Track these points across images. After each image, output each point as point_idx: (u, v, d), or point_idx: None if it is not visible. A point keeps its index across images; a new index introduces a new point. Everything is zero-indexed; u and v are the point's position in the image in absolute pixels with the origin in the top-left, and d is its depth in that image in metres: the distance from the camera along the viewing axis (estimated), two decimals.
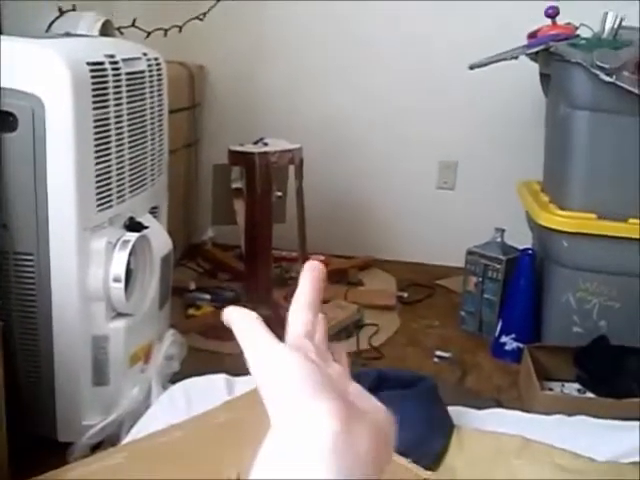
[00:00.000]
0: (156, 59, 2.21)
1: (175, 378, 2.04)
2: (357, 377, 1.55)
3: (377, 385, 1.55)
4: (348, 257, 3.80)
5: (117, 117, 1.89)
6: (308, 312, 0.55)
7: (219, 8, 3.52)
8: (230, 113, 3.88)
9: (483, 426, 1.57)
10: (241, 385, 1.69)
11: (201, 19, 3.46)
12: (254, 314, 0.53)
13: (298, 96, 3.84)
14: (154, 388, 2.03)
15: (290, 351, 0.49)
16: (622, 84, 2.44)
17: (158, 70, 2.22)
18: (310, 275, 0.57)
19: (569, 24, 2.87)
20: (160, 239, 2.13)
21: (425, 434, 1.43)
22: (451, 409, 1.61)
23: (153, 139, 2.18)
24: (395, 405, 1.45)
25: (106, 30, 2.55)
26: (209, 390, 1.67)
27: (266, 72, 3.83)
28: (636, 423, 1.70)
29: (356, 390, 0.52)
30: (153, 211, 2.23)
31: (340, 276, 3.55)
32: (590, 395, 2.46)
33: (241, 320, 0.52)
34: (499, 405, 2.09)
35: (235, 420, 1.52)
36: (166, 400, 1.68)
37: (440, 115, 3.79)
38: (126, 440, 1.56)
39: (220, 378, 1.72)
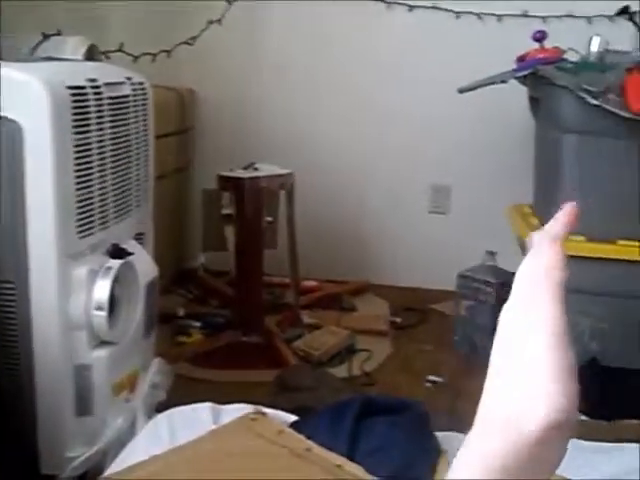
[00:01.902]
0: (141, 83, 2.18)
1: (162, 407, 2.01)
2: (343, 404, 1.52)
3: (363, 412, 1.52)
4: (341, 282, 3.78)
5: (99, 142, 1.86)
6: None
7: (209, 32, 3.52)
8: (221, 137, 3.87)
9: None
10: (227, 414, 1.66)
11: (190, 43, 3.46)
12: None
13: (290, 121, 3.83)
14: (139, 418, 1.99)
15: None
16: (608, 107, 2.44)
17: (143, 95, 2.19)
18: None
19: (557, 48, 2.87)
20: (145, 265, 2.10)
21: (411, 460, 1.40)
22: (442, 434, 1.57)
23: (138, 164, 2.15)
24: (382, 432, 1.41)
25: (92, 54, 2.53)
26: (194, 419, 1.63)
27: (257, 96, 3.82)
28: (628, 445, 1.67)
29: None
30: (138, 237, 2.20)
31: (333, 301, 3.52)
32: (582, 418, 2.42)
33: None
34: None
35: (220, 450, 1.48)
36: (149, 430, 1.64)
37: (432, 140, 3.78)
38: (107, 472, 1.53)
39: (205, 407, 1.69)
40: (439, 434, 1.57)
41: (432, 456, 1.46)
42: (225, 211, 3.04)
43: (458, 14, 3.61)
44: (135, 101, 2.12)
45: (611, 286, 2.70)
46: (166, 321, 3.07)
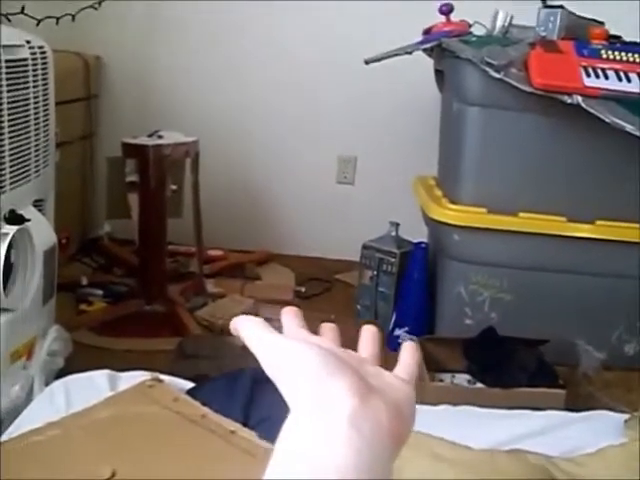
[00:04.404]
0: (41, 47, 2.14)
1: (61, 375, 1.99)
2: (239, 372, 1.53)
3: (259, 379, 1.54)
4: (247, 252, 3.78)
5: None
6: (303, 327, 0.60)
7: None
8: (128, 105, 3.82)
9: None
10: (124, 381, 1.66)
11: (96, 8, 3.39)
12: (260, 319, 0.56)
13: (196, 89, 3.80)
14: (36, 385, 1.98)
15: (301, 341, 0.53)
16: (510, 80, 2.48)
17: (43, 59, 2.15)
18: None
19: (463, 21, 2.91)
20: (43, 233, 2.07)
21: None
22: None
23: (37, 129, 2.11)
24: (276, 399, 1.44)
25: None
26: (90, 387, 1.63)
27: (163, 64, 3.78)
28: (519, 412, 1.74)
29: (376, 371, 0.54)
30: (38, 204, 2.16)
31: (238, 271, 3.53)
32: (480, 385, 2.50)
33: (247, 325, 0.56)
34: None
35: (116, 416, 1.48)
36: (46, 397, 1.63)
37: (339, 110, 3.80)
38: (2, 438, 1.51)
39: (102, 374, 1.68)
40: None
41: None
42: (129, 179, 3.01)
43: None
44: (34, 65, 2.07)
45: (512, 258, 2.78)
46: (69, 289, 3.04)
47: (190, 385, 1.66)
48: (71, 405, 1.55)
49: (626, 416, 1.65)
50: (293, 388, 0.49)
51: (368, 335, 0.63)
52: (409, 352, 0.62)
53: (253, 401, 1.50)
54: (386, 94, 3.72)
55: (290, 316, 0.61)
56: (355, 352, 0.59)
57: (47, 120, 2.21)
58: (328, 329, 0.63)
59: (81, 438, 1.41)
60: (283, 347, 0.52)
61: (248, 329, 0.55)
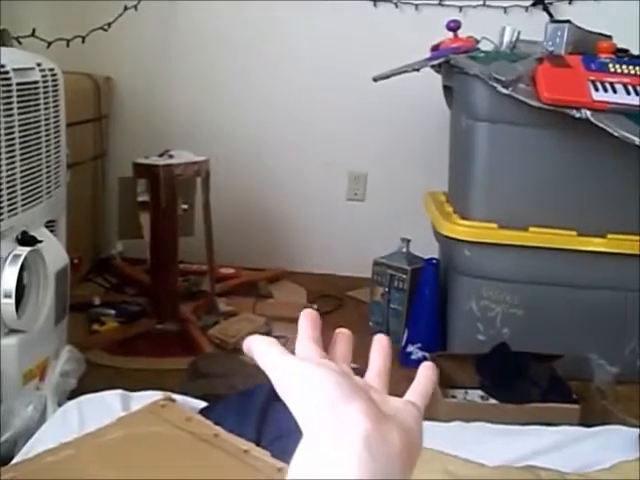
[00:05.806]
0: (51, 70, 2.16)
1: (74, 395, 2.00)
2: (251, 390, 1.53)
3: (272, 398, 1.54)
4: (258, 269, 3.79)
5: (8, 127, 1.84)
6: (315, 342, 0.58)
7: (125, 18, 3.48)
8: (138, 125, 3.83)
9: None
10: (137, 400, 1.66)
11: (105, 29, 3.42)
12: (272, 338, 0.56)
13: (206, 108, 3.82)
14: (49, 406, 1.98)
15: (315, 364, 0.52)
16: (518, 96, 2.49)
17: (54, 81, 2.17)
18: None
19: (470, 37, 2.92)
20: (55, 253, 2.08)
21: None
22: None
23: (48, 151, 2.13)
24: (289, 417, 1.44)
25: (3, 40, 2.49)
26: (103, 407, 1.63)
27: (173, 84, 3.80)
28: (533, 427, 1.73)
29: (381, 397, 0.54)
30: (50, 225, 2.17)
31: (250, 289, 3.53)
32: (492, 401, 2.49)
33: (260, 345, 0.55)
34: None
35: (128, 436, 1.48)
36: (59, 418, 1.64)
37: (349, 127, 3.81)
38: (15, 460, 1.52)
39: (115, 394, 1.69)
40: None
41: None
42: (141, 198, 3.02)
43: (376, 2, 3.64)
44: (45, 87, 2.09)
45: (523, 273, 2.77)
46: (82, 309, 3.04)
47: (202, 404, 1.67)
48: (84, 425, 1.55)
49: None
50: (306, 411, 0.50)
51: (379, 347, 0.63)
52: (426, 372, 0.61)
53: (266, 420, 1.50)
54: (396, 110, 3.72)
55: (306, 323, 0.60)
56: (361, 377, 0.58)
57: (58, 141, 2.22)
58: (342, 339, 0.62)
59: (94, 458, 1.41)
60: (295, 370, 0.52)
61: (261, 349, 0.55)
